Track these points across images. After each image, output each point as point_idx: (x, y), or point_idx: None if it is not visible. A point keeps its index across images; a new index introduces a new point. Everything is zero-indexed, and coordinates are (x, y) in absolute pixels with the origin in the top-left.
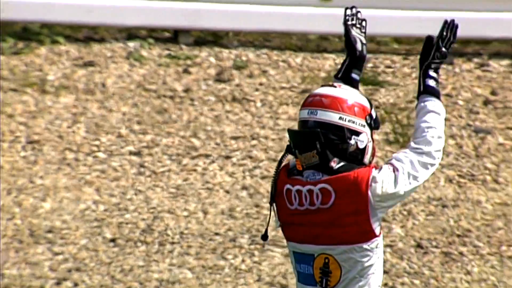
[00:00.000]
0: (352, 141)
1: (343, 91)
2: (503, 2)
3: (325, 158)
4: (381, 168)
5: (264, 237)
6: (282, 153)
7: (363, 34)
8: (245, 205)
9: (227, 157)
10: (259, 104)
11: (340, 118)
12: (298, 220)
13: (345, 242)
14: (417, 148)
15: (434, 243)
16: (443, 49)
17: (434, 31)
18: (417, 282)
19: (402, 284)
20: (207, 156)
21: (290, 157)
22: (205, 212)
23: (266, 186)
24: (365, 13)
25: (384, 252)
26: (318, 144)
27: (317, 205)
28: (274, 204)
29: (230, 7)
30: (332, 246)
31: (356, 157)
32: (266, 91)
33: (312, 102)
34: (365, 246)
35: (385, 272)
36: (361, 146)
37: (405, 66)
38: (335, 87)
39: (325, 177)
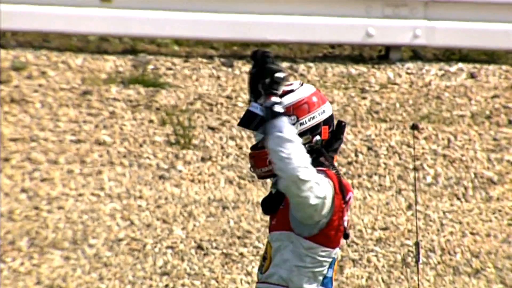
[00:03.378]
0: None
1: None
2: (286, 5)
3: None
4: None
5: (346, 236)
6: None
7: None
8: (24, 208)
9: (6, 159)
10: (38, 105)
11: None
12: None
13: None
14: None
15: (214, 244)
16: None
17: (212, 33)
18: (197, 283)
19: (183, 285)
20: None
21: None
22: None
23: (46, 189)
24: (143, 14)
25: (165, 253)
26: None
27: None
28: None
29: (7, 7)
30: None
31: None
32: (45, 92)
33: None
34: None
35: (166, 274)
36: None
37: (185, 68)
38: None
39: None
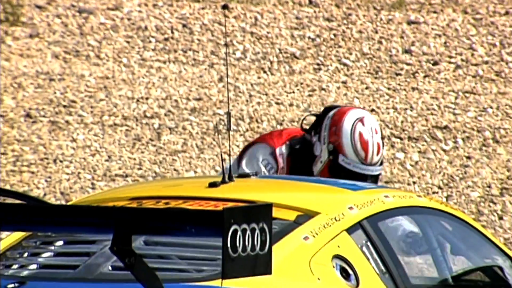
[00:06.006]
0: None
1: None
2: None
3: None
4: None
5: None
6: None
7: None
8: None
9: None
10: None
11: None
12: None
13: None
14: None
15: (42, 113)
16: None
17: None
18: (27, 149)
19: (13, 151)
20: None
21: None
22: None
23: None
24: None
25: None
26: None
27: None
28: None
29: None
30: None
31: None
32: None
33: None
34: None
35: None
36: None
37: None
38: None
39: None
